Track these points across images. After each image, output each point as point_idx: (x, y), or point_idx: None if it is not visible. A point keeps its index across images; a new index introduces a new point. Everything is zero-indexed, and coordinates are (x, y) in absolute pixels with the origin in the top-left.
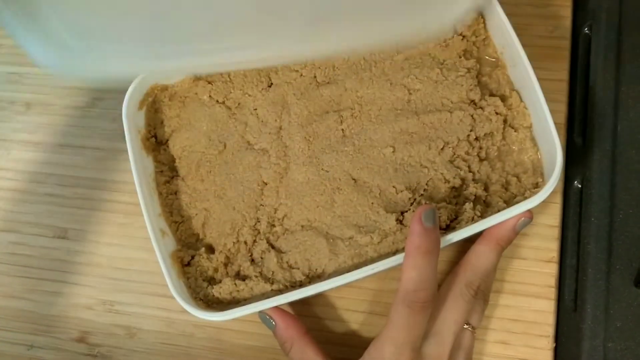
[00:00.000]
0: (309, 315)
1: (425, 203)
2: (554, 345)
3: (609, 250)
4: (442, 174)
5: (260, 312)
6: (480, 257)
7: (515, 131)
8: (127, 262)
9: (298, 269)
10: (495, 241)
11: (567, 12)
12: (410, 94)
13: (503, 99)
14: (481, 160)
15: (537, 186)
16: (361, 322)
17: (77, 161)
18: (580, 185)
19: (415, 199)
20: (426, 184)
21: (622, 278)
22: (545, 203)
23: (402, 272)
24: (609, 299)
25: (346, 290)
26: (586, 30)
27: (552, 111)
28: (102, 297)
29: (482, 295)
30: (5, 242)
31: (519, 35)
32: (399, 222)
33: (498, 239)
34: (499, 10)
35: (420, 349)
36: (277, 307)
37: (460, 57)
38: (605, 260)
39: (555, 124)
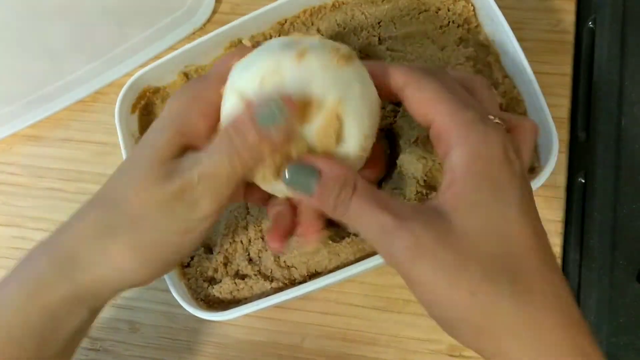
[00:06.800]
0: (309, 310)
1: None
2: None
3: (613, 245)
4: (439, 164)
5: (291, 166)
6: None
7: None
8: None
9: (296, 269)
10: None
11: (570, 6)
12: None
13: (496, 86)
14: None
15: (533, 171)
16: (362, 316)
17: (79, 155)
18: (583, 181)
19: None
20: (425, 175)
21: (625, 273)
22: (548, 198)
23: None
24: (612, 294)
25: (347, 284)
26: (590, 24)
27: (555, 106)
28: None
29: None
30: (7, 236)
31: (517, 29)
32: None
33: None
34: None
35: None
36: (320, 156)
37: (458, 45)
38: (608, 256)
39: (559, 118)
